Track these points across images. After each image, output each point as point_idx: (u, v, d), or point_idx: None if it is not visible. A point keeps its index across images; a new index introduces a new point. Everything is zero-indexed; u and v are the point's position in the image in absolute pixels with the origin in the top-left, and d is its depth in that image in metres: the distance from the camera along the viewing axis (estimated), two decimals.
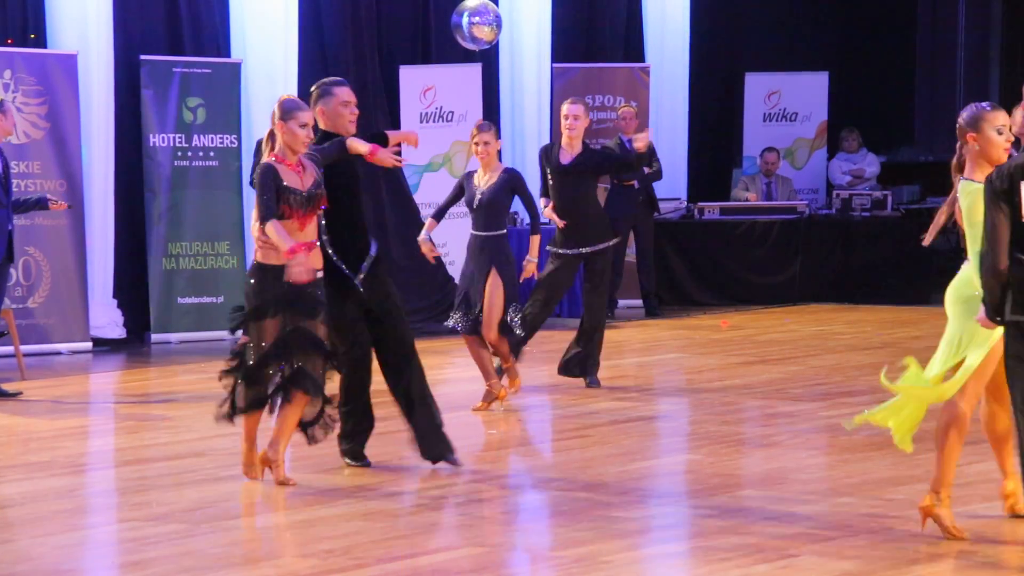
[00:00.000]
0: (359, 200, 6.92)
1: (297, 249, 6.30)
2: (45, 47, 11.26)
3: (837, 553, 5.38)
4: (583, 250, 9.03)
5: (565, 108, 9.16)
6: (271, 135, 6.53)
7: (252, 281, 6.50)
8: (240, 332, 6.62)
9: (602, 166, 9.61)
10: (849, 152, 15.14)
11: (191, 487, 6.59)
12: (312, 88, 6.92)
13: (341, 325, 6.70)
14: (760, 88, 15.23)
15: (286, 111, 6.44)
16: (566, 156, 9.11)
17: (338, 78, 7.10)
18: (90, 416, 8.94)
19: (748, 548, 5.44)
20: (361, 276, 6.75)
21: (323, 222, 6.64)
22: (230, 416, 6.56)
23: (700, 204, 14.25)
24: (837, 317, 12.98)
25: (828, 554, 5.37)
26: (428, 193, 12.68)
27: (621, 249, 13.38)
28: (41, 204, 9.55)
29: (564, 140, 9.14)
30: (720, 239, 14.04)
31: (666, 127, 14.66)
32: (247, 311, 6.52)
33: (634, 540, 5.70)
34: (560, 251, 9.13)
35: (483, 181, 8.53)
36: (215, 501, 6.32)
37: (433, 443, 6.84)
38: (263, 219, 6.35)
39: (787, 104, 15.22)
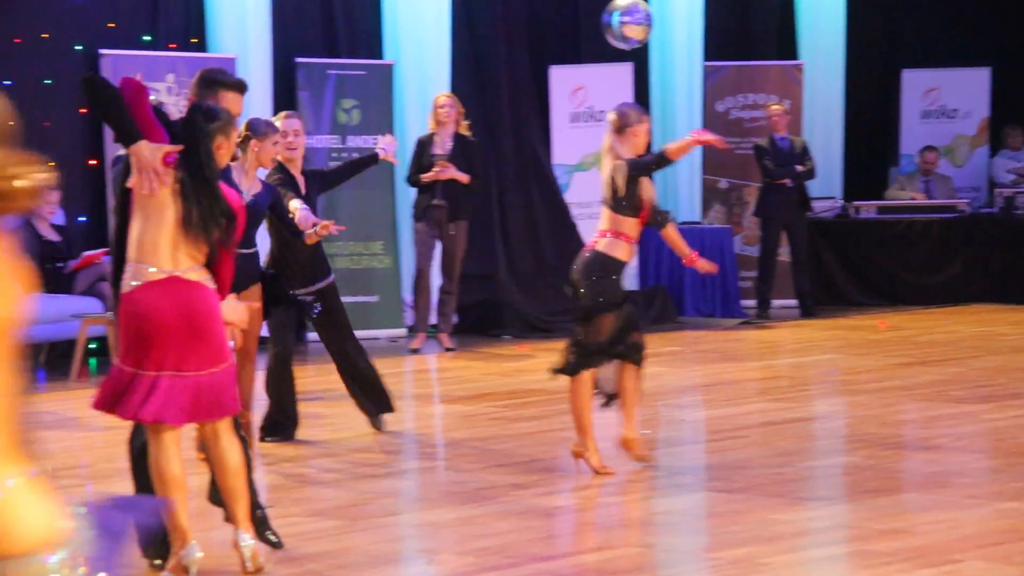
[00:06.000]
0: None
1: None
2: (205, 51, 11.50)
3: (1005, 559, 5.22)
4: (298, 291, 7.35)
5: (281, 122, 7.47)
6: None
7: (594, 277, 6.61)
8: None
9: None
10: (1013, 150, 14.72)
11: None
12: None
13: None
14: (918, 84, 14.89)
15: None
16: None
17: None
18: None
19: (910, 552, 5.30)
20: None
21: None
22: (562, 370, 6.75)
23: (856, 203, 13.99)
24: (1001, 318, 12.62)
25: (996, 559, 5.21)
26: (578, 193, 12.66)
27: (773, 248, 13.22)
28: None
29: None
30: (876, 238, 13.76)
31: (821, 125, 14.42)
32: (595, 304, 6.60)
33: (792, 543, 5.59)
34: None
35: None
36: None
37: None
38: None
39: (947, 101, 14.86)
